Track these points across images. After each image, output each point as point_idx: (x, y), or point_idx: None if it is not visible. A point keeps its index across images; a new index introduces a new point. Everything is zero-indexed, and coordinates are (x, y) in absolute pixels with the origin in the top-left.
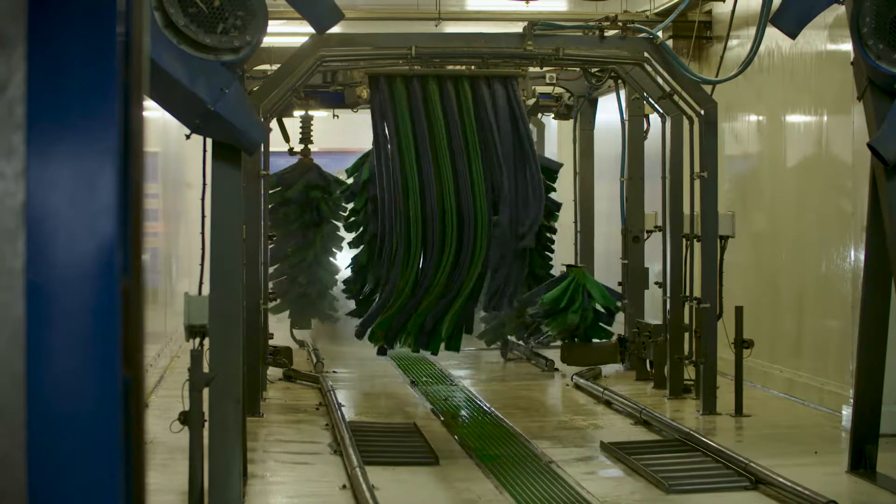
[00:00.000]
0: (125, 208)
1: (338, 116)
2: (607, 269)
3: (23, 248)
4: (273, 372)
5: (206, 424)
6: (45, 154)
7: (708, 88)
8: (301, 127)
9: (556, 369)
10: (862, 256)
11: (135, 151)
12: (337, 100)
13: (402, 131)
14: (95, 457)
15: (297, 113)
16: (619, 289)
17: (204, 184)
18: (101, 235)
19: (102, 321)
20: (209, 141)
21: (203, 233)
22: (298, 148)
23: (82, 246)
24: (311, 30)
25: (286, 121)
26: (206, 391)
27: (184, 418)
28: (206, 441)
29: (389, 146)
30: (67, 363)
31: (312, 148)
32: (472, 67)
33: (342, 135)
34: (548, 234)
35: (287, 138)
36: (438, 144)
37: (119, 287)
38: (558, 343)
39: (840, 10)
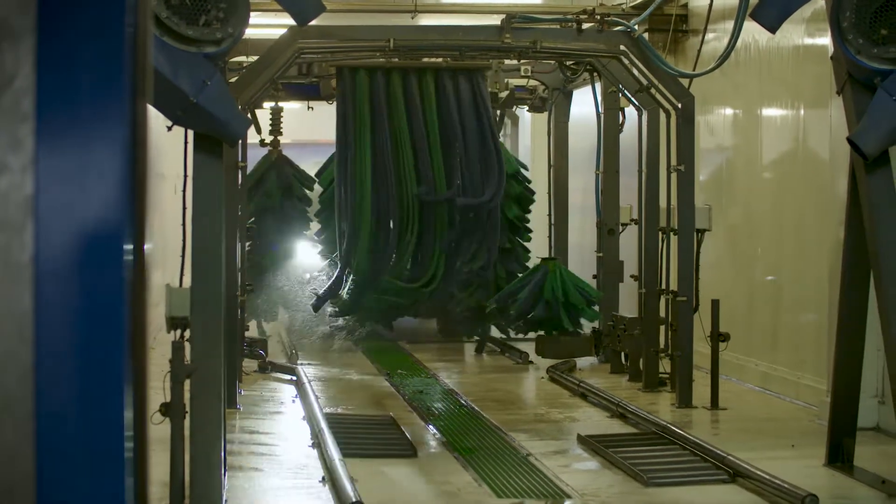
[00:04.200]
0: (132, 200)
1: (312, 108)
2: (581, 262)
3: (30, 241)
4: (247, 364)
5: (188, 416)
6: (52, 146)
7: (685, 82)
8: (271, 119)
9: (531, 362)
10: (838, 250)
11: (139, 143)
12: (311, 91)
13: (360, 121)
14: (103, 449)
15: (267, 104)
16: (593, 282)
17: (185, 175)
18: (109, 228)
19: (109, 313)
20: (190, 132)
21: (184, 224)
22: (269, 139)
23: (89, 238)
24: (287, 21)
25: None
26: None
27: (164, 410)
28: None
29: (347, 136)
30: (74, 355)
31: (283, 140)
32: (449, 60)
33: (315, 126)
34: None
35: (259, 130)
36: (399, 137)
37: (126, 279)
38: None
39: (818, 4)
